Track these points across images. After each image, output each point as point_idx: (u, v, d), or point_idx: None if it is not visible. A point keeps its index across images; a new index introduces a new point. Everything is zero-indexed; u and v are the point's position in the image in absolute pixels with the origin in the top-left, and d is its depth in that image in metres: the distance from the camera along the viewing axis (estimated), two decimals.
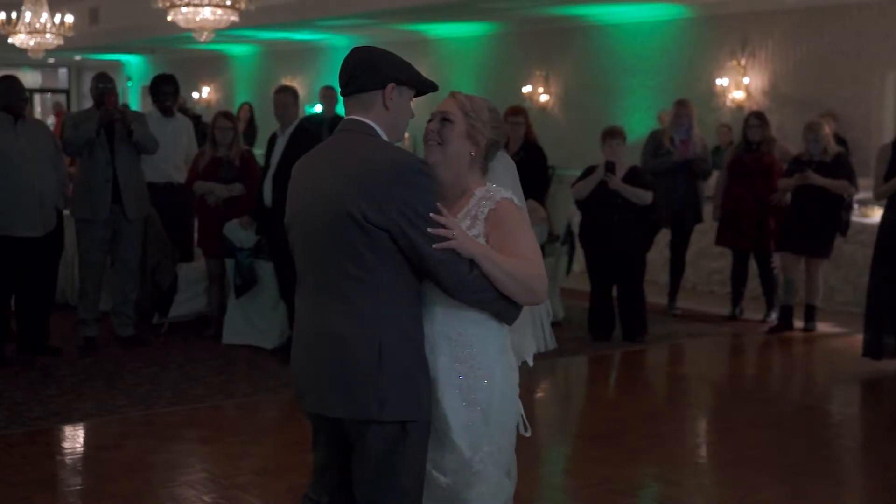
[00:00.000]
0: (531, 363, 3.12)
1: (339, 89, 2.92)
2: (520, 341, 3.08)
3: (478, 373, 2.83)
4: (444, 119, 2.92)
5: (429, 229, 2.67)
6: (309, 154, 2.95)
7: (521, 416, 3.01)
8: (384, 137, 2.84)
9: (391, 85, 2.82)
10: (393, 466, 2.77)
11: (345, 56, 2.90)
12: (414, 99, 2.94)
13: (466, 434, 2.82)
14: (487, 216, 2.84)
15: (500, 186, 2.93)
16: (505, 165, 3.03)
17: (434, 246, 2.67)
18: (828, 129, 8.43)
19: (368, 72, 2.83)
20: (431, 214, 2.68)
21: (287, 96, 7.23)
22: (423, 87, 2.91)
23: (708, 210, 9.20)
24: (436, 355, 2.82)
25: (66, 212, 7.33)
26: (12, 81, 6.98)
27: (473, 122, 2.90)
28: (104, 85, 7.34)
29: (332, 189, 2.74)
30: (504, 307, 2.82)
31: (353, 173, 2.71)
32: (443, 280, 2.73)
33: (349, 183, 2.70)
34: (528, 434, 3.05)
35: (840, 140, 10.31)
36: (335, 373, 2.76)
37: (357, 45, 2.97)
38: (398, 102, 2.84)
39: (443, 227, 2.70)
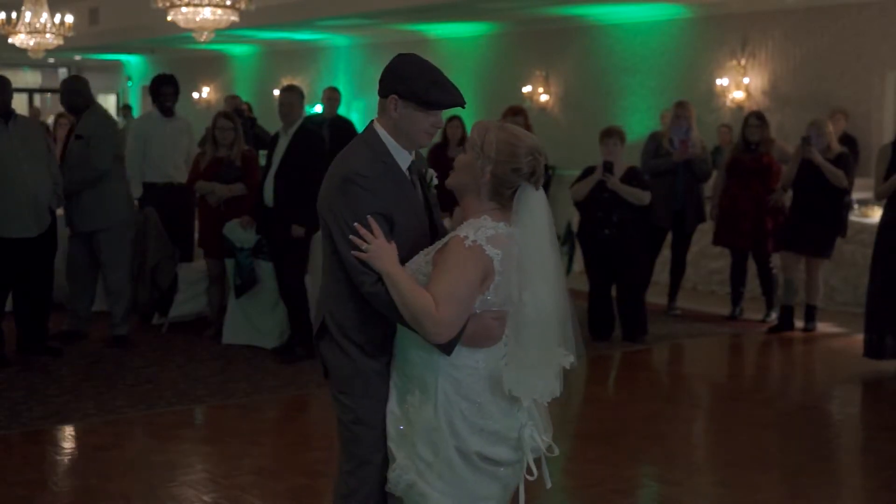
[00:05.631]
0: (525, 403, 2.94)
1: None
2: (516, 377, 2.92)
3: (414, 390, 2.94)
4: (464, 147, 3.02)
5: (350, 236, 2.87)
6: None
7: (530, 457, 2.94)
8: (389, 141, 3.01)
9: (392, 96, 2.97)
10: (342, 435, 3.07)
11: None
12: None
13: (398, 439, 2.97)
14: (441, 247, 2.89)
15: (510, 224, 2.91)
16: (530, 207, 2.97)
17: (351, 252, 2.88)
18: (831, 128, 8.43)
19: (383, 79, 3.02)
20: (356, 224, 2.86)
21: (294, 96, 7.23)
22: (428, 105, 2.94)
23: (708, 210, 9.20)
24: (393, 363, 3.03)
25: (59, 211, 7.31)
26: (3, 81, 6.94)
27: (476, 157, 2.93)
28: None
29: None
30: (418, 332, 2.85)
31: (328, 174, 3.03)
32: (355, 283, 2.93)
33: (325, 182, 3.03)
34: (531, 475, 2.97)
35: (850, 138, 10.29)
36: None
37: (403, 52, 3.10)
38: (403, 113, 2.98)
39: (363, 238, 2.85)
